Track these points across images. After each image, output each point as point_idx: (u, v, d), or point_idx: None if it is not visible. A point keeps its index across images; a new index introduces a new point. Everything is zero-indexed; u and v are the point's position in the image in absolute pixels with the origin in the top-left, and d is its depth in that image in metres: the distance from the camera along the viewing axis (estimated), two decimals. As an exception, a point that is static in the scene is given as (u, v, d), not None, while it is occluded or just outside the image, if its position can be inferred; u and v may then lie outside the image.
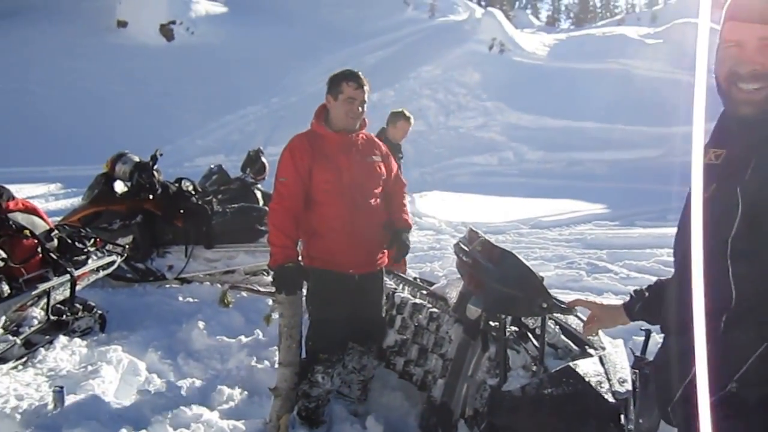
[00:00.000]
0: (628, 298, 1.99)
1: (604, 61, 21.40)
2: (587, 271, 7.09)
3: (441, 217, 10.74)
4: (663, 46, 21.76)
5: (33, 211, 4.43)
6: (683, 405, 1.52)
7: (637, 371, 3.04)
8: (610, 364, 2.61)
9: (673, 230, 1.64)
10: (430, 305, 3.57)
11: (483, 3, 41.79)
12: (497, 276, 2.46)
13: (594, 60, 21.60)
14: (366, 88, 3.33)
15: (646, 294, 1.93)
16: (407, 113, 6.22)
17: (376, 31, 23.94)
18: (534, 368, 2.61)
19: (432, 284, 4.08)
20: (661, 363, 1.68)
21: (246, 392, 3.89)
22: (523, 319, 2.92)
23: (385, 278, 3.86)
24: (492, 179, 15.53)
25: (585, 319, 2.98)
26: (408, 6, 27.75)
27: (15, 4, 23.16)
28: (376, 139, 3.67)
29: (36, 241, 4.23)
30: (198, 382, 4.06)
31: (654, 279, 2.13)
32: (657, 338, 4.53)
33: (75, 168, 12.82)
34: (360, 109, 3.32)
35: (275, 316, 4.31)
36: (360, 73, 3.39)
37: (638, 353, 3.18)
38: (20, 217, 4.23)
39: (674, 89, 17.82)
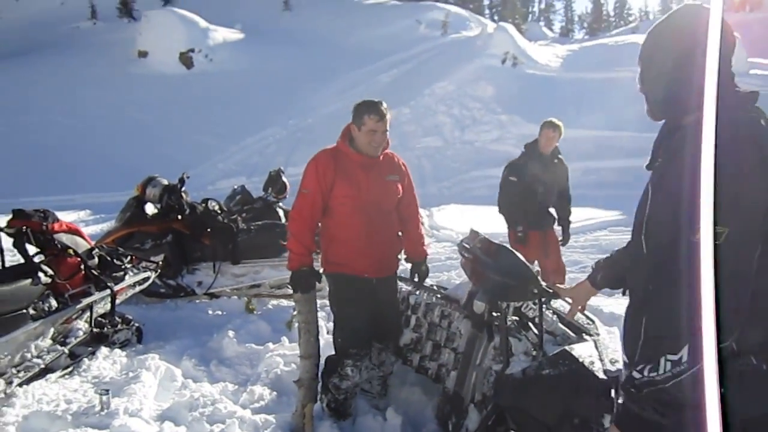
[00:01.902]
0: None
1: (615, 70, 21.57)
2: (600, 274, 7.28)
3: (458, 229, 10.98)
4: (674, 53, 21.91)
5: (76, 231, 4.81)
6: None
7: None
8: (603, 348, 2.87)
9: None
10: (441, 304, 3.86)
11: (495, 18, 42.22)
12: (495, 268, 2.76)
13: (606, 69, 21.78)
14: (387, 117, 3.54)
15: (603, 264, 2.32)
16: (553, 121, 5.96)
17: (390, 50, 24.39)
18: (534, 353, 2.89)
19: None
20: (625, 321, 1.93)
21: (275, 392, 4.21)
22: (523, 309, 3.19)
23: (401, 283, 4.18)
24: (509, 191, 15.74)
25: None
26: (420, 24, 28.24)
27: (40, 40, 24.08)
28: (398, 158, 3.87)
29: (79, 259, 4.60)
30: (230, 386, 4.38)
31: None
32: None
33: (102, 195, 13.35)
34: (381, 138, 3.56)
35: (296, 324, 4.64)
36: (381, 103, 3.56)
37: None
38: (64, 238, 4.60)
39: (686, 95, 17.96)
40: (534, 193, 5.92)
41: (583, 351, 2.80)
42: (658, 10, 51.93)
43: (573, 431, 2.61)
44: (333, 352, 3.81)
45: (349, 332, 3.64)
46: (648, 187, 1.79)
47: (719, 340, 1.26)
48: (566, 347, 2.84)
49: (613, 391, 2.69)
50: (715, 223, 1.30)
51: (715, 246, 1.34)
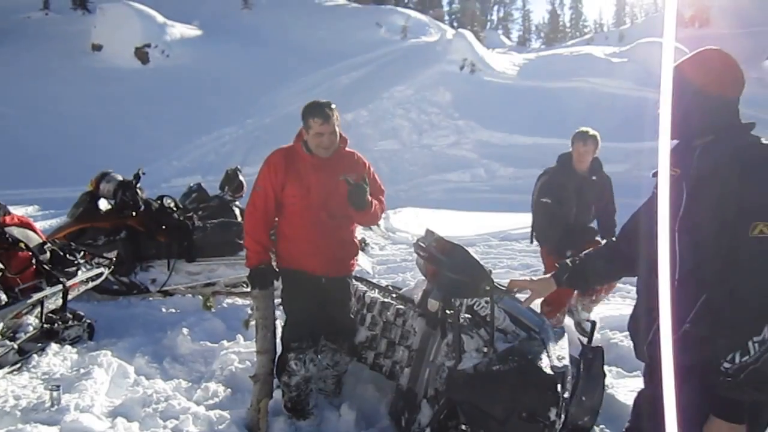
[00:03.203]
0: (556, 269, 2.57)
1: (572, 80, 22.08)
2: (550, 277, 7.48)
3: (414, 232, 11.08)
4: (629, 65, 22.52)
5: (27, 225, 4.73)
6: (652, 345, 2.09)
7: (582, 356, 3.44)
8: (551, 345, 2.99)
9: None
10: (396, 303, 3.93)
11: (455, 24, 42.69)
12: (449, 265, 2.85)
13: (563, 78, 22.26)
14: (333, 117, 3.51)
15: (571, 266, 2.53)
16: (585, 131, 5.08)
17: (349, 52, 24.43)
18: (485, 350, 2.98)
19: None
20: (635, 316, 2.27)
21: (229, 389, 4.22)
22: (475, 308, 3.29)
23: (356, 282, 4.23)
24: (464, 195, 15.97)
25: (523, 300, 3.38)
26: (381, 28, 28.34)
27: (-11, 29, 23.34)
28: (358, 156, 3.81)
29: (30, 253, 4.52)
30: (184, 382, 4.37)
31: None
32: (608, 333, 4.94)
33: (52, 190, 13.05)
34: (328, 140, 3.54)
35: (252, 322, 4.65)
36: (328, 104, 3.52)
37: (585, 342, 3.59)
38: (16, 231, 4.52)
39: (640, 106, 18.48)
40: (568, 214, 5.19)
41: (531, 348, 2.91)
42: (612, 23, 53.30)
43: (520, 424, 2.71)
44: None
45: (292, 325, 3.71)
46: (681, 191, 2.02)
47: None
48: (516, 344, 2.94)
49: (559, 386, 2.81)
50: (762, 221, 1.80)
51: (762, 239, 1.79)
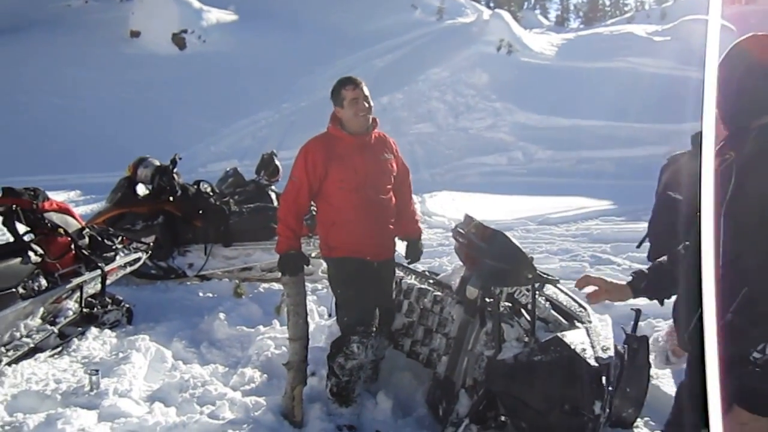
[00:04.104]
0: (631, 278, 2.41)
1: (612, 60, 21.55)
2: (590, 263, 7.33)
3: (450, 216, 10.98)
4: (671, 44, 21.88)
5: (66, 211, 4.76)
6: (695, 332, 1.98)
7: (626, 346, 3.32)
8: (595, 335, 2.88)
9: None
10: (433, 290, 3.85)
11: (491, 4, 42.03)
12: (489, 253, 2.76)
13: (602, 59, 21.75)
14: (363, 86, 3.59)
15: (649, 274, 2.39)
16: None
17: (385, 34, 24.25)
18: (526, 339, 2.89)
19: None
20: (678, 304, 2.19)
21: (265, 375, 4.21)
22: (515, 295, 3.20)
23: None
24: (501, 179, 15.75)
25: (568, 292, 3.26)
26: (416, 9, 28.06)
27: (29, 17, 23.78)
28: (388, 138, 3.87)
29: (69, 238, 4.56)
30: (221, 368, 4.38)
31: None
32: (651, 321, 4.79)
33: (93, 175, 13.24)
34: (366, 104, 3.58)
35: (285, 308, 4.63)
36: (352, 76, 3.67)
37: (629, 331, 3.47)
38: (55, 217, 4.56)
39: (682, 86, 17.96)
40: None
41: (574, 338, 2.81)
42: (653, 1, 51.83)
43: (563, 417, 2.63)
44: (326, 338, 3.80)
45: (356, 310, 3.61)
46: (731, 178, 1.90)
47: None
48: (558, 334, 2.84)
49: (604, 379, 2.70)
50: None
51: None
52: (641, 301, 5.55)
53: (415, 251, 4.05)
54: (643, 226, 9.70)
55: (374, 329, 3.61)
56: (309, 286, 3.82)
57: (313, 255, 5.26)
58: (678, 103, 17.32)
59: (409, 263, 4.17)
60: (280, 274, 6.36)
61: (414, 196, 4.12)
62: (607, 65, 21.28)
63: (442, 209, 11.58)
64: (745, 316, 1.84)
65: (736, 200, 1.87)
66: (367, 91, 3.61)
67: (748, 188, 1.85)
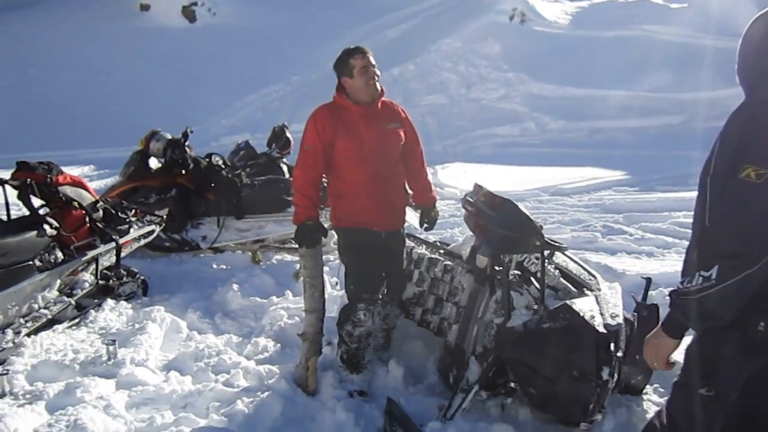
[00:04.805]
0: None
1: (627, 28, 21.15)
2: (602, 233, 7.31)
3: (462, 187, 10.93)
4: (687, 11, 21.45)
5: (80, 184, 4.81)
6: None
7: (636, 314, 3.33)
8: (604, 303, 2.90)
9: (693, 193, 2.11)
10: (444, 259, 3.87)
11: (504, -27, 41.28)
12: (498, 221, 2.77)
13: (617, 27, 21.36)
14: (370, 54, 3.58)
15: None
16: None
17: (396, 4, 23.94)
18: (535, 307, 2.92)
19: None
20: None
21: (279, 344, 4.27)
22: (525, 264, 3.21)
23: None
24: (514, 150, 15.63)
25: (577, 260, 3.27)
26: (427, -21, 27.65)
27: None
28: (396, 105, 3.84)
29: (84, 211, 4.62)
30: (235, 337, 4.45)
31: (668, 239, 2.54)
32: (663, 290, 4.79)
33: (105, 150, 13.33)
34: (375, 73, 3.57)
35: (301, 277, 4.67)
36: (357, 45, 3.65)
37: (639, 300, 3.48)
38: (69, 190, 4.61)
39: (698, 54, 17.69)
40: None
41: (583, 305, 2.83)
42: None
43: (572, 383, 2.66)
44: (338, 308, 3.83)
45: (362, 278, 3.64)
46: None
47: (746, 267, 1.80)
48: (567, 301, 2.86)
49: (612, 345, 2.73)
50: (760, 165, 1.79)
51: (755, 185, 1.78)
52: (652, 270, 5.56)
53: (429, 219, 4.01)
54: (656, 196, 9.69)
55: (380, 297, 3.62)
56: (324, 257, 3.82)
57: (326, 226, 5.29)
58: (694, 72, 17.11)
59: (425, 230, 4.13)
60: (292, 244, 6.49)
61: (427, 167, 4.10)
62: (622, 33, 20.91)
63: (454, 180, 11.55)
64: (687, 254, 2.05)
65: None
66: (374, 60, 3.59)
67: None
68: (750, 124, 1.89)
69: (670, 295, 2.07)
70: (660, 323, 2.16)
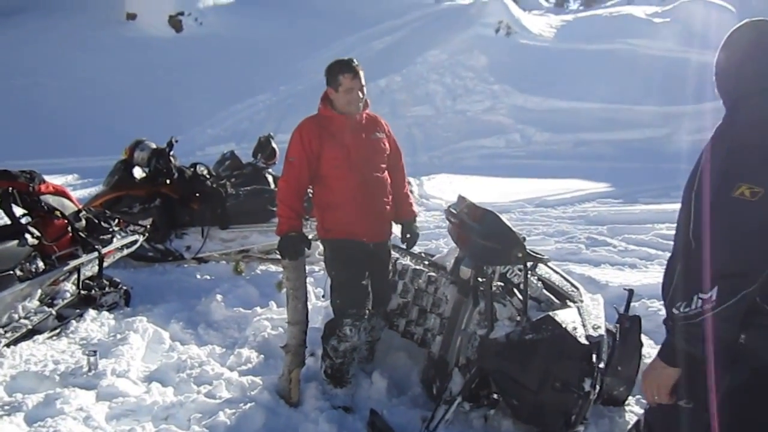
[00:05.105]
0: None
1: (611, 42, 21.39)
2: (586, 244, 7.36)
3: (447, 198, 10.96)
4: (671, 25, 21.74)
5: (62, 193, 4.78)
6: None
7: (618, 325, 3.36)
8: (586, 314, 2.92)
9: (676, 206, 2.12)
10: (428, 270, 3.88)
11: (490, -14, 41.58)
12: (480, 232, 2.79)
13: (601, 41, 21.59)
14: (361, 73, 3.57)
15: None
16: None
17: (382, 16, 24.08)
18: (518, 318, 2.93)
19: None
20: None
21: (262, 355, 4.26)
22: (508, 275, 3.23)
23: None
24: (499, 161, 15.72)
25: (560, 271, 3.29)
26: (414, -9, 27.80)
27: (25, 0, 23.59)
28: (380, 118, 3.87)
29: (66, 221, 4.58)
30: (218, 348, 4.42)
31: (651, 251, 2.52)
32: (645, 302, 4.82)
33: (89, 159, 13.21)
34: (360, 94, 3.57)
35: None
36: (353, 60, 3.59)
37: (621, 311, 3.50)
38: (51, 199, 4.57)
39: (681, 68, 17.92)
40: None
41: (566, 317, 2.85)
42: (654, -18, 51.28)
43: (554, 394, 2.67)
44: (323, 319, 3.81)
45: (349, 292, 3.60)
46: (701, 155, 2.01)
47: (744, 286, 1.79)
48: (550, 313, 2.88)
49: (594, 356, 2.74)
50: (754, 183, 1.77)
51: (750, 203, 1.75)
52: (635, 282, 5.60)
53: (410, 234, 4.00)
54: (640, 208, 9.77)
55: (367, 312, 3.59)
56: (308, 267, 3.81)
57: (310, 237, 5.28)
58: (678, 85, 17.32)
59: (407, 246, 4.13)
60: (277, 255, 6.47)
61: (411, 179, 4.12)
62: (606, 47, 21.14)
63: (439, 192, 11.58)
64: (667, 277, 2.04)
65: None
66: (363, 80, 3.59)
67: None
68: (736, 141, 1.89)
69: (664, 322, 2.03)
70: (657, 355, 2.07)
